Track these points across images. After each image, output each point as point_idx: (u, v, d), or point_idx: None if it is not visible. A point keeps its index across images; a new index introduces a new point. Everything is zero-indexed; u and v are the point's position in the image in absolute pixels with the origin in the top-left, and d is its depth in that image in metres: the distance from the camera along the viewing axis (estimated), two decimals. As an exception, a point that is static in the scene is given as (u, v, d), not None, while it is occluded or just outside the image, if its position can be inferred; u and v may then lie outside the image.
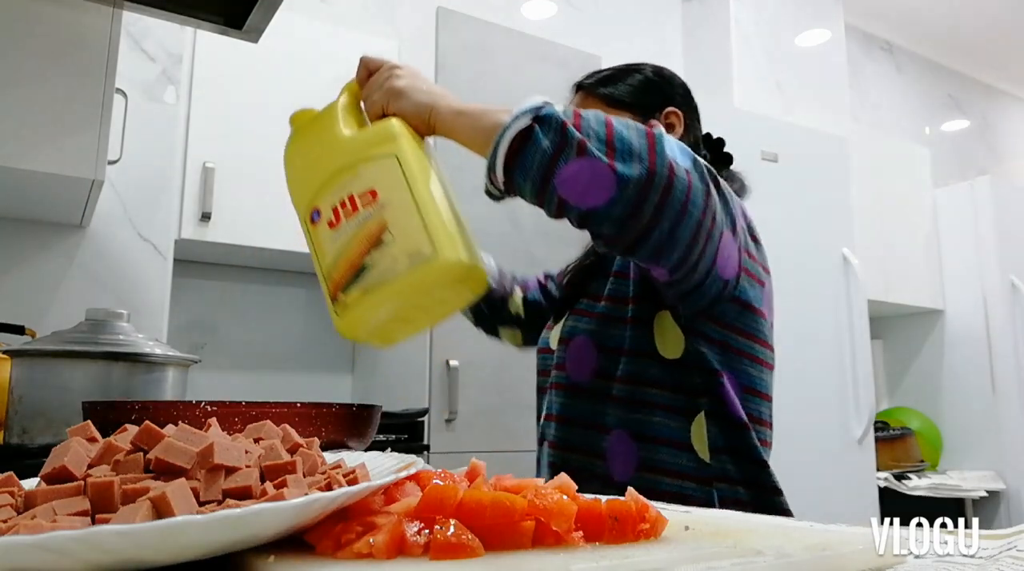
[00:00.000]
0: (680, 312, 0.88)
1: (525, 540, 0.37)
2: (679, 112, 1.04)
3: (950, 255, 3.51)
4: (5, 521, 0.34)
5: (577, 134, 0.66)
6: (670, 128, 1.02)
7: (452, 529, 0.35)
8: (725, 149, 1.09)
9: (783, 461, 2.66)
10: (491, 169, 0.71)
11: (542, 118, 0.67)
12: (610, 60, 2.88)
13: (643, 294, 0.92)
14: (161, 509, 0.33)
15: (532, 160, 0.67)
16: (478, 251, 0.70)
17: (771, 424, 0.96)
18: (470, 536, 0.35)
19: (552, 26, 3.06)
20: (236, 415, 0.60)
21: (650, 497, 0.43)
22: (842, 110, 3.39)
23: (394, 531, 0.35)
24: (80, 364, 1.08)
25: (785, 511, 0.90)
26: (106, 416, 0.65)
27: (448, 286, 0.67)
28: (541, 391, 1.07)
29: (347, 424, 0.69)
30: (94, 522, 0.34)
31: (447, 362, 2.09)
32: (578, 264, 1.12)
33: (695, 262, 0.76)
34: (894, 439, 3.07)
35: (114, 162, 1.68)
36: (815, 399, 2.54)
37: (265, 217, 2.16)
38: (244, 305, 2.46)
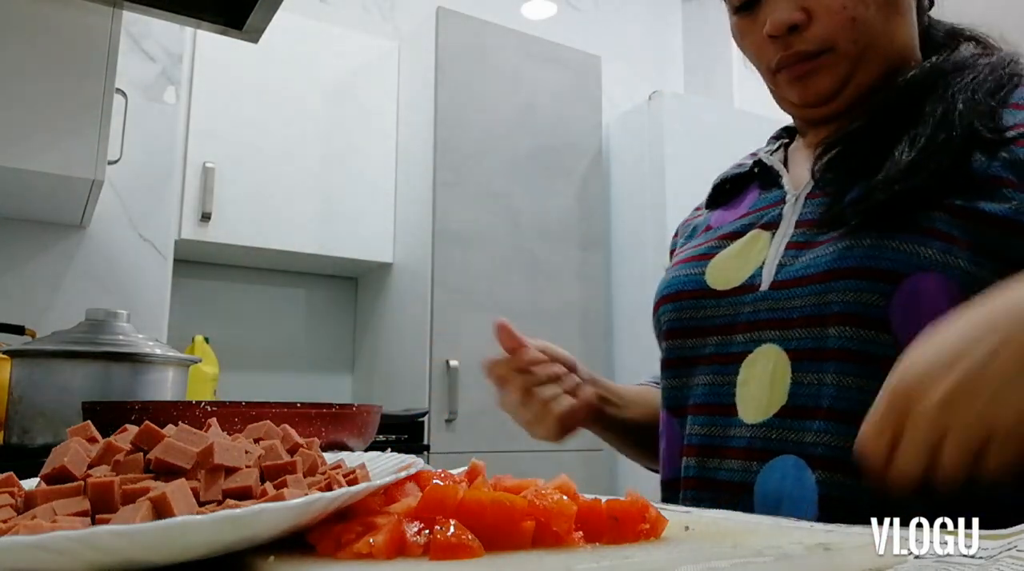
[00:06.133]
0: None
1: (525, 540, 0.37)
2: None
3: (950, 255, 3.51)
4: (5, 521, 0.34)
5: None
6: None
7: (452, 529, 0.35)
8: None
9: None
10: None
11: None
12: (610, 60, 2.89)
13: None
14: (161, 509, 0.33)
15: None
16: None
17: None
18: (470, 536, 0.35)
19: (552, 26, 3.06)
20: (236, 415, 0.60)
21: None
22: (842, 110, 3.39)
23: (394, 531, 0.35)
24: (80, 364, 1.08)
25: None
26: (106, 416, 0.65)
27: None
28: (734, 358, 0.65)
29: (347, 424, 0.69)
30: (94, 522, 0.34)
31: (447, 362, 2.09)
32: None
33: None
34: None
35: (114, 162, 1.68)
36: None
37: (265, 217, 2.16)
38: (244, 305, 2.46)
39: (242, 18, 1.53)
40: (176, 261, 2.03)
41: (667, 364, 0.73)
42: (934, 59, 0.66)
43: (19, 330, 1.52)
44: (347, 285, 2.66)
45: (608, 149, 2.71)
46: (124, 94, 1.72)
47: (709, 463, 0.65)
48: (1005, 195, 0.56)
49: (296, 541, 0.36)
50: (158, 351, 1.14)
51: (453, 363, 2.09)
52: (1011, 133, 0.59)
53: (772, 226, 0.67)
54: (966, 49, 0.67)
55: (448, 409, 2.08)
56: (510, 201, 2.31)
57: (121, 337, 1.14)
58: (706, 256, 0.70)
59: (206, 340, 2.05)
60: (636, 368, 2.47)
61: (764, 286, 0.63)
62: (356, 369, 2.61)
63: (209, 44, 2.11)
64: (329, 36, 2.37)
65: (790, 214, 0.66)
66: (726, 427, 0.64)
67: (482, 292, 2.19)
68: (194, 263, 2.33)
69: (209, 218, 2.06)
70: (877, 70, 0.66)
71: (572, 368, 0.78)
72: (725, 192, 0.78)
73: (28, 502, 0.36)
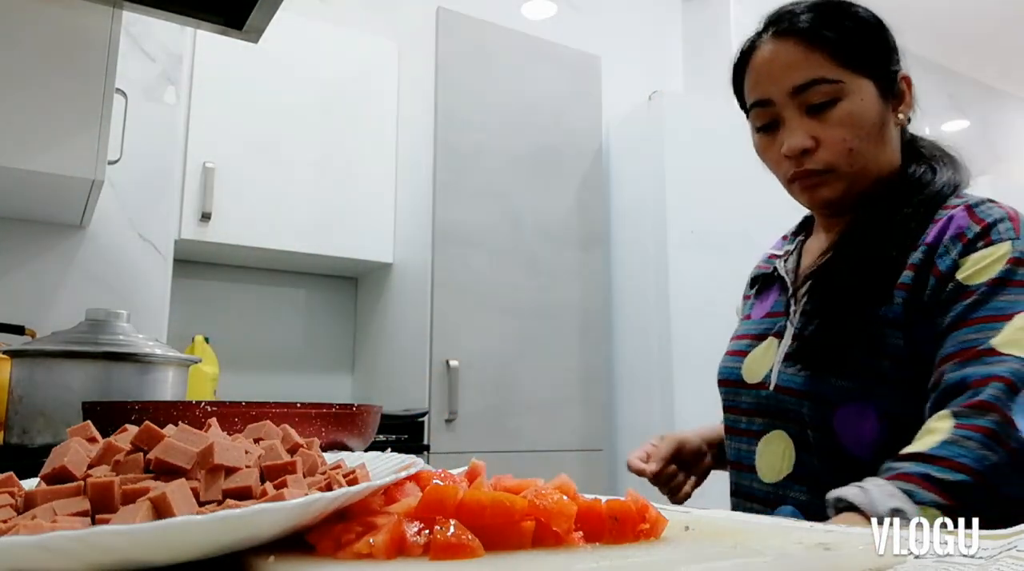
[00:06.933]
0: None
1: (525, 540, 0.37)
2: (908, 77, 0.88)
3: (950, 255, 3.50)
4: (5, 521, 0.34)
5: None
6: (901, 98, 0.88)
7: (452, 529, 0.35)
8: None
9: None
10: None
11: None
12: (610, 60, 2.89)
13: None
14: (161, 509, 0.33)
15: None
16: None
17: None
18: (470, 536, 0.35)
19: (552, 26, 3.06)
20: (236, 415, 0.60)
21: None
22: (842, 110, 3.39)
23: (394, 531, 0.35)
24: (80, 364, 1.08)
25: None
26: (106, 416, 0.65)
27: None
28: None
29: (347, 424, 0.69)
30: (94, 522, 0.34)
31: (447, 362, 2.09)
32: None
33: None
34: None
35: (114, 162, 1.68)
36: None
37: (265, 217, 2.16)
38: (244, 305, 2.46)
39: (242, 18, 1.53)
40: (176, 261, 2.03)
41: (724, 430, 0.97)
42: (888, 189, 0.85)
43: (19, 330, 1.52)
44: (347, 285, 2.66)
45: (608, 149, 2.70)
46: (124, 94, 1.72)
47: (741, 504, 0.91)
48: (895, 334, 0.77)
49: (296, 541, 0.36)
50: (158, 351, 1.14)
51: (453, 363, 2.09)
52: (903, 275, 0.78)
53: (780, 335, 0.89)
54: (915, 171, 0.86)
55: (448, 409, 2.08)
56: (510, 201, 2.30)
57: (121, 337, 1.14)
58: (743, 352, 0.94)
59: (206, 340, 2.05)
60: (636, 368, 2.47)
61: (771, 387, 0.87)
62: (356, 369, 2.61)
63: (209, 44, 2.11)
64: (329, 36, 2.37)
65: (790, 328, 0.88)
66: (751, 481, 0.89)
67: (482, 292, 2.19)
68: (194, 263, 2.33)
69: (209, 218, 2.06)
70: (868, 184, 0.86)
71: (699, 454, 1.04)
72: (761, 279, 1.01)
73: (28, 502, 0.36)
